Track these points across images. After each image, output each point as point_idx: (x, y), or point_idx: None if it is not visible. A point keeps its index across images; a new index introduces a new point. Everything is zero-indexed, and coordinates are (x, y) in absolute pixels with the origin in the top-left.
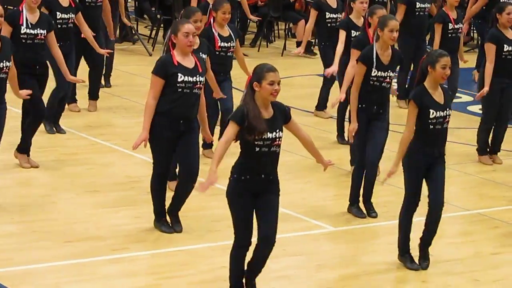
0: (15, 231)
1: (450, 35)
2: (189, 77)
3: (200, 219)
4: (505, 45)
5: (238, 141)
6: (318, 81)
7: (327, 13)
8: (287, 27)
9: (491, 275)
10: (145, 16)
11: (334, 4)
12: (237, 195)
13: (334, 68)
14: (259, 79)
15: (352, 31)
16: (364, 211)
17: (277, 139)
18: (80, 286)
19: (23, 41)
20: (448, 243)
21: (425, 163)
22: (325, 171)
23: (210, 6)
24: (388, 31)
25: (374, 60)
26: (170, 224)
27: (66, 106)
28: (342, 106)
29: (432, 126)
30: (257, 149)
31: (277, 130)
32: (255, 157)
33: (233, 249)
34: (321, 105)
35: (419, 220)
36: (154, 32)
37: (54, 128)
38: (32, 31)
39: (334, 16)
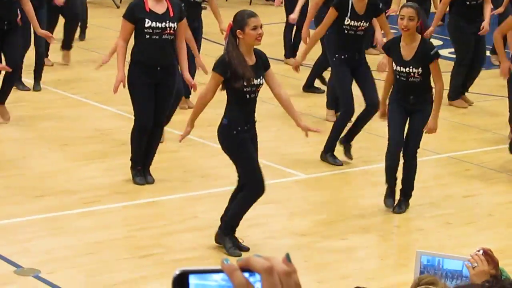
0: None
1: (468, 3)
2: (158, 22)
3: (171, 170)
4: None
5: (225, 91)
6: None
7: None
8: None
9: (463, 218)
10: None
11: None
12: (245, 144)
13: (295, 16)
14: (242, 26)
15: None
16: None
17: (260, 86)
18: (53, 240)
19: None
20: (420, 187)
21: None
22: (307, 136)
23: None
24: None
25: (349, 9)
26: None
27: None
28: (321, 58)
29: (398, 76)
30: (247, 96)
31: (261, 77)
32: (246, 104)
33: (250, 196)
34: (290, 52)
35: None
36: None
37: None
38: None
39: None
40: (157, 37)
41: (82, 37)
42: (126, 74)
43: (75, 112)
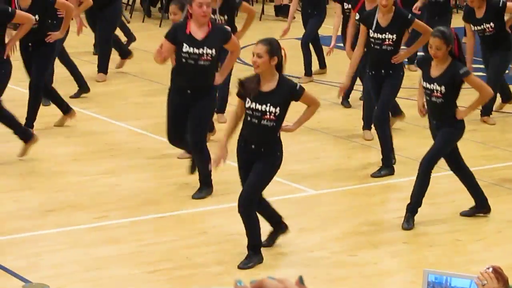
0: None
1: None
2: (195, 48)
3: (180, 185)
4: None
5: None
6: (296, 44)
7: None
8: None
9: (473, 235)
10: None
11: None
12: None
13: (332, 45)
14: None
15: (345, 4)
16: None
17: (268, 113)
18: (62, 255)
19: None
20: (429, 203)
21: None
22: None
23: None
24: None
25: (374, 22)
26: None
27: None
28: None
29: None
30: (249, 118)
31: (268, 105)
32: (248, 126)
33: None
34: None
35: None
36: None
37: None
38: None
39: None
40: (193, 62)
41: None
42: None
43: (86, 127)
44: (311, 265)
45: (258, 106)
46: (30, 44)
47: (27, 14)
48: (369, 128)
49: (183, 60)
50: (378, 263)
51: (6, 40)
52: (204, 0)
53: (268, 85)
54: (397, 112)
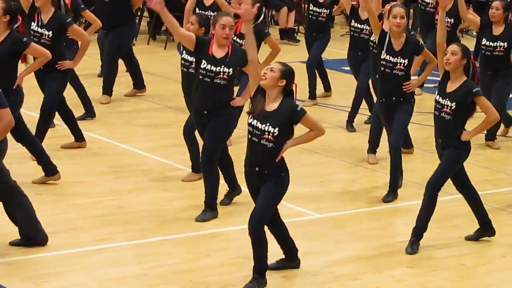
0: None
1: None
2: (212, 66)
3: (184, 208)
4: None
5: None
6: (301, 67)
7: (311, 4)
8: (269, 14)
9: (477, 259)
10: None
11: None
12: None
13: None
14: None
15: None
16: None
17: (267, 133)
18: (64, 277)
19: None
20: (434, 227)
21: None
22: None
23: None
24: (392, 17)
25: (386, 44)
26: None
27: None
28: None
29: (434, 110)
30: (249, 136)
31: (268, 124)
32: (251, 146)
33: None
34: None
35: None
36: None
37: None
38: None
39: (318, 10)
40: (209, 79)
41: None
42: None
43: (91, 149)
44: None
45: (258, 124)
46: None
47: (43, 49)
48: (374, 152)
49: (200, 76)
50: (381, 287)
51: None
52: (227, 22)
53: (271, 105)
54: (408, 145)
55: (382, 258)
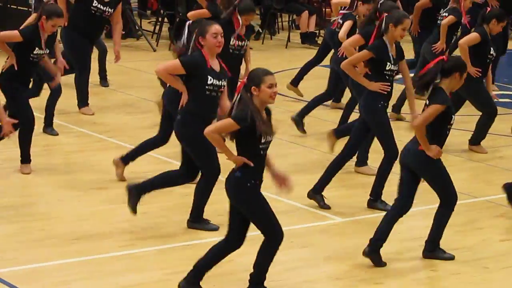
0: (22, 230)
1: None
2: (217, 80)
3: (205, 213)
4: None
5: (235, 142)
6: (323, 72)
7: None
8: (290, 18)
9: (500, 262)
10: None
11: None
12: (259, 197)
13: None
14: (258, 84)
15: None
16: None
17: (270, 142)
18: (87, 284)
19: (31, 59)
20: (456, 231)
21: None
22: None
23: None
24: (401, 29)
25: (390, 54)
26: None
27: (79, 110)
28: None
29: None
30: (262, 152)
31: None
32: (261, 160)
33: (272, 246)
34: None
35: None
36: (158, 27)
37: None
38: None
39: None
40: (215, 94)
41: (105, 84)
42: (180, 124)
43: (111, 155)
44: None
45: (269, 139)
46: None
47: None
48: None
49: (207, 92)
50: None
51: None
52: (218, 30)
53: (263, 115)
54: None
55: (406, 262)
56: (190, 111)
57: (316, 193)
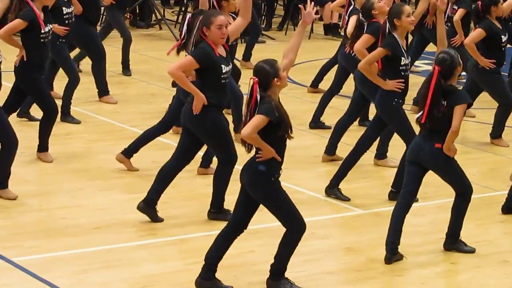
0: (42, 218)
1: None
2: (226, 66)
3: (228, 204)
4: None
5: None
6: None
7: None
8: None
9: None
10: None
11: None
12: (281, 190)
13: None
14: (277, 74)
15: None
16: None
17: None
18: (108, 273)
19: (42, 40)
20: (477, 224)
21: None
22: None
23: None
24: (406, 16)
25: (402, 49)
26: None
27: (100, 98)
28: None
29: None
30: (286, 144)
31: None
32: (283, 152)
33: (295, 238)
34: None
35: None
36: (181, 17)
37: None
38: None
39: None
40: (228, 80)
41: (127, 73)
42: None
43: None
44: (359, 285)
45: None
46: None
47: None
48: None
49: (222, 81)
50: (425, 283)
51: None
52: (223, 22)
53: None
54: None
55: (426, 254)
56: (215, 104)
57: (332, 188)
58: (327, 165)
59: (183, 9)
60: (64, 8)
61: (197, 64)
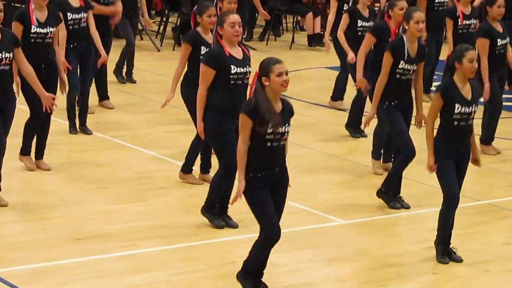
0: (25, 229)
1: (460, 31)
2: (241, 68)
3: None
4: (498, 40)
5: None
6: (327, 73)
7: (359, 21)
8: (295, 20)
9: (503, 265)
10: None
11: (366, 13)
12: (257, 190)
13: (352, 55)
14: (267, 73)
15: (359, 21)
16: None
17: (286, 134)
18: (91, 284)
19: (33, 40)
20: (459, 234)
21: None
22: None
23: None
24: (414, 23)
25: (405, 52)
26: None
27: (98, 103)
28: (357, 98)
29: (456, 123)
30: (269, 144)
31: (286, 125)
32: (267, 152)
33: (263, 243)
34: (338, 95)
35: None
36: (162, 27)
37: (77, 129)
38: (42, 30)
39: (366, 24)
40: (240, 82)
41: (132, 80)
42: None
43: (114, 155)
44: None
45: (280, 129)
46: None
47: None
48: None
49: (232, 82)
50: None
51: None
52: (235, 20)
53: (278, 106)
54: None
55: (408, 265)
56: (215, 105)
57: (393, 196)
58: (308, 175)
59: (164, 19)
60: (69, 14)
61: (212, 69)
